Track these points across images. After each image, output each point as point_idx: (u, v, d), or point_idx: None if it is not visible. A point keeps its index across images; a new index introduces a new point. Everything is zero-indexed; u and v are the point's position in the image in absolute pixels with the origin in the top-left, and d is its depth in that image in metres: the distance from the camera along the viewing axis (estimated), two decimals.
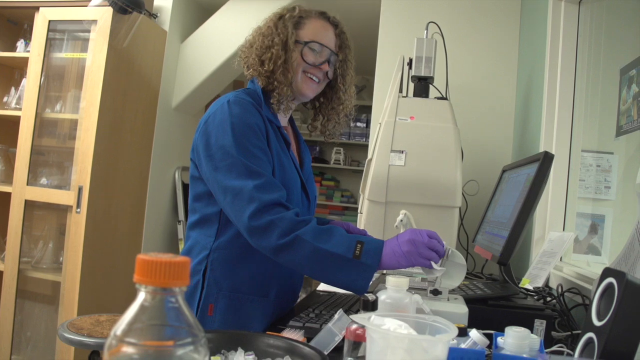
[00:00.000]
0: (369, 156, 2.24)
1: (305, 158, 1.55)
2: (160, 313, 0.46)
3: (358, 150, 5.26)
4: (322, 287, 1.68)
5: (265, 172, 1.23)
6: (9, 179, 2.98)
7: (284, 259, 1.18)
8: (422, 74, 2.16)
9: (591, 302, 0.85)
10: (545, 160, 1.17)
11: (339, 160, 5.15)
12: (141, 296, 0.47)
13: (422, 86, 2.19)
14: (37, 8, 2.90)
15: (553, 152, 1.95)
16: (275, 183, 1.24)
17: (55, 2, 2.89)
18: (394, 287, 0.90)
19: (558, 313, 1.22)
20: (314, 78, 1.40)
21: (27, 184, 2.82)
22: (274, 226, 1.17)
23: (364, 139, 5.14)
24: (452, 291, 1.11)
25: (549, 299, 1.40)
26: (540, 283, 1.62)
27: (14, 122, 2.92)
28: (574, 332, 1.11)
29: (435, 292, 1.05)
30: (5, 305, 2.83)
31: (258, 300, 1.31)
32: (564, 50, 2.03)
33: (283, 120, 1.46)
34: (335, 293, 1.54)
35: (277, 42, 1.36)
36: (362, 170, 4.98)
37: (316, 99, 1.53)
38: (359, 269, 1.13)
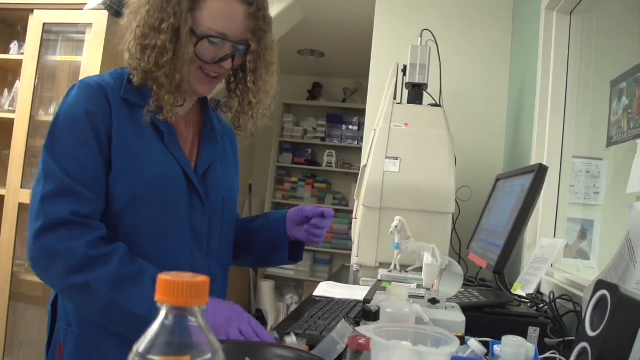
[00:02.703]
0: (364, 162, 2.27)
1: (208, 151, 1.19)
2: (181, 331, 0.48)
3: (350, 153, 5.29)
4: (319, 292, 1.70)
5: (66, 175, 0.97)
6: (2, 182, 2.97)
7: (74, 303, 0.99)
8: (417, 80, 2.19)
9: (582, 310, 0.88)
10: (540, 172, 1.20)
11: (331, 163, 5.18)
12: (162, 314, 0.49)
13: (416, 93, 2.22)
14: (32, 10, 2.89)
15: (545, 159, 2.01)
16: (74, 190, 0.96)
17: (50, 4, 2.89)
18: (394, 297, 0.92)
19: (550, 319, 1.25)
20: (212, 74, 1.12)
21: (21, 187, 2.81)
22: (59, 258, 0.93)
23: (356, 142, 5.17)
24: (448, 299, 1.14)
25: (541, 305, 1.44)
26: (532, 289, 1.66)
27: (7, 124, 2.92)
28: (566, 338, 1.14)
29: (434, 301, 1.07)
30: None
31: (115, 339, 1.01)
32: (556, 59, 2.07)
33: (182, 109, 1.18)
34: (332, 299, 1.56)
35: (165, 29, 1.02)
36: (354, 173, 5.03)
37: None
38: None
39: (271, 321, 4.68)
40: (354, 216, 2.30)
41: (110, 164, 1.03)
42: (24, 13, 2.94)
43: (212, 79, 1.13)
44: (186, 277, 0.48)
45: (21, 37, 3.06)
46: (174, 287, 0.47)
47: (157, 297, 0.48)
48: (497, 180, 1.79)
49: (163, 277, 0.47)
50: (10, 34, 3.17)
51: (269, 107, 1.24)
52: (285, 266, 5.05)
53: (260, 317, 4.72)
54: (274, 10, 3.13)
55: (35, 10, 2.89)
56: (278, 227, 1.28)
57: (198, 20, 1.05)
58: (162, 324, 0.48)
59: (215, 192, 1.17)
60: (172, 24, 1.02)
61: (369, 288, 1.73)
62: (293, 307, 4.83)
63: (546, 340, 1.17)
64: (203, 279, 0.48)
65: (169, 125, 1.11)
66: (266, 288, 4.83)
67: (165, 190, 1.08)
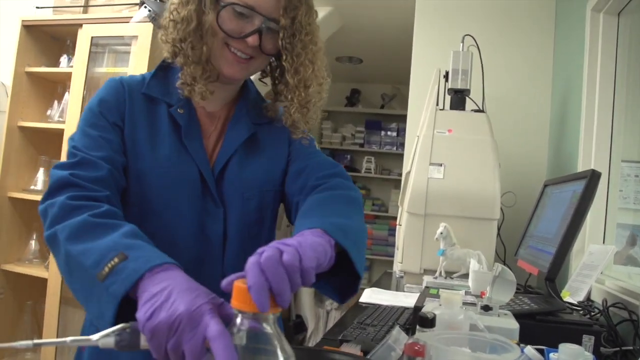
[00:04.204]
0: (407, 169, 2.27)
1: (229, 143, 1.07)
2: (255, 336, 0.50)
3: (389, 158, 5.28)
4: (364, 298, 1.71)
5: (87, 151, 0.94)
6: None
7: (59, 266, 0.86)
8: (459, 86, 2.18)
9: (639, 319, 0.87)
10: (593, 178, 1.18)
11: (370, 169, 5.18)
12: (238, 320, 0.51)
13: (458, 99, 2.21)
14: (81, 25, 3.00)
15: (592, 164, 1.97)
16: (82, 158, 0.93)
17: (98, 19, 2.99)
18: (448, 304, 0.92)
19: (605, 328, 1.23)
20: (239, 54, 1.01)
21: None
22: (46, 214, 0.86)
23: (395, 148, 5.16)
24: (501, 306, 1.13)
25: (593, 313, 1.41)
26: (581, 296, 1.63)
27: (58, 134, 3.02)
28: (622, 348, 1.12)
29: (486, 308, 1.07)
30: (49, 312, 2.91)
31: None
32: (603, 62, 2.03)
33: (212, 104, 1.09)
34: (379, 305, 1.57)
35: None
36: (393, 179, 5.02)
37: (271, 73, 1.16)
38: (99, 296, 0.71)
39: (311, 327, 4.69)
40: (397, 223, 2.30)
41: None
42: (73, 28, 3.04)
43: (240, 60, 1.02)
44: None
45: (70, 50, 3.17)
46: (247, 294, 0.49)
47: (233, 303, 0.50)
48: (545, 186, 1.77)
49: (239, 284, 0.49)
50: (60, 48, 3.28)
51: (320, 97, 1.13)
52: None
53: (300, 323, 4.74)
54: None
55: (84, 25, 2.99)
56: None
57: None
58: (238, 329, 0.50)
59: (232, 189, 1.05)
60: None
61: (414, 294, 1.73)
62: (333, 313, 4.84)
63: (602, 349, 1.15)
64: None
65: (191, 119, 1.04)
66: (306, 294, 4.85)
67: (174, 192, 1.00)
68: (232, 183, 1.05)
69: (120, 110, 1.01)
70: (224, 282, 0.63)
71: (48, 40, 3.26)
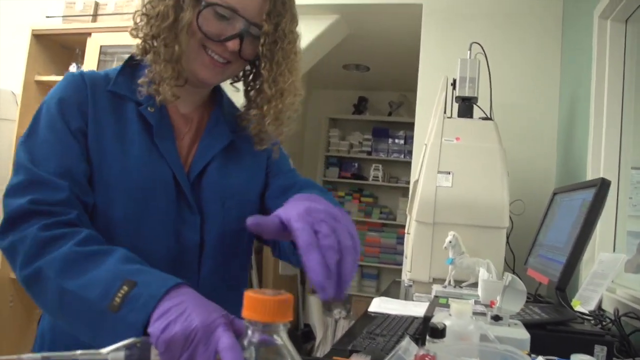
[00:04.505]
0: (415, 177, 2.26)
1: (206, 148, 1.01)
2: (266, 348, 0.50)
3: (396, 166, 5.27)
4: (373, 308, 1.70)
5: (33, 164, 0.85)
6: None
7: (36, 301, 0.81)
8: (467, 94, 2.18)
9: None
10: (602, 187, 1.18)
11: (378, 177, 5.17)
12: (249, 332, 0.50)
13: (466, 106, 2.21)
14: (90, 34, 3.03)
15: (602, 171, 1.96)
16: (39, 179, 0.84)
17: (106, 28, 3.02)
18: (457, 314, 0.92)
19: (617, 338, 1.22)
20: (216, 57, 0.95)
21: None
22: (16, 251, 0.79)
23: (402, 156, 5.15)
24: (511, 316, 1.12)
25: (605, 322, 1.40)
26: (592, 306, 1.61)
27: None
28: (636, 358, 1.11)
29: (496, 318, 1.06)
30: None
31: None
32: (611, 69, 2.02)
33: (184, 106, 1.03)
34: (388, 315, 1.56)
35: None
36: (401, 187, 5.01)
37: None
38: (115, 327, 0.68)
39: (319, 336, 4.68)
40: (406, 231, 2.30)
41: (88, 160, 0.91)
42: (82, 37, 3.08)
43: (217, 65, 0.96)
44: (271, 294, 0.50)
45: (79, 59, 3.20)
46: (260, 304, 0.49)
47: (244, 313, 0.49)
48: (554, 194, 1.76)
49: (250, 294, 0.49)
50: (69, 56, 3.32)
51: (295, 109, 1.06)
52: None
53: (309, 332, 4.73)
54: (319, 27, 3.17)
55: (93, 34, 3.02)
56: None
57: None
58: (249, 340, 0.50)
59: (211, 197, 0.99)
60: None
61: (423, 304, 1.72)
62: (341, 322, 4.83)
63: None
64: (286, 296, 0.50)
65: (163, 118, 0.97)
66: (314, 303, 4.84)
67: (146, 196, 0.92)
68: (211, 190, 0.99)
69: (82, 109, 0.92)
70: (250, 219, 0.71)
71: (57, 49, 3.29)
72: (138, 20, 0.96)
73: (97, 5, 3.17)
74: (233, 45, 0.93)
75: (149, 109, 0.95)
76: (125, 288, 0.69)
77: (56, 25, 3.19)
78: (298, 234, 0.69)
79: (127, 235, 0.90)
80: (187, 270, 0.94)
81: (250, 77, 1.09)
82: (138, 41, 0.96)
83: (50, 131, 0.89)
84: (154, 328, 0.63)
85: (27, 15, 3.52)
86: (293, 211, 0.73)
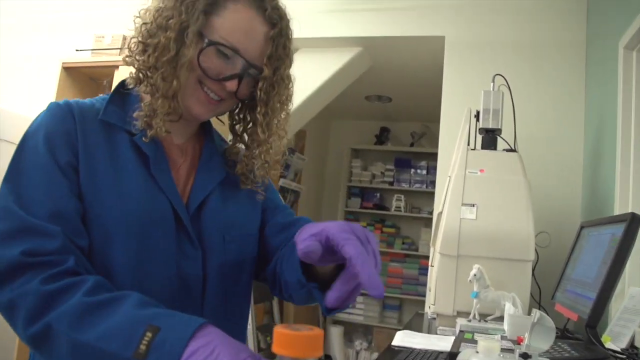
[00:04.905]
0: (439, 209, 2.25)
1: (205, 181, 0.99)
2: None
3: (419, 197, 5.25)
4: (397, 342, 1.67)
5: (22, 208, 0.79)
6: None
7: (45, 357, 0.78)
8: (490, 126, 2.18)
9: None
10: (634, 222, 1.16)
11: (400, 207, 5.15)
12: None
13: (490, 138, 2.20)
14: (117, 66, 3.11)
15: (630, 205, 1.93)
16: (30, 226, 0.78)
17: None
18: (485, 351, 0.90)
19: None
20: (211, 95, 0.94)
21: None
22: (16, 308, 0.74)
23: (425, 186, 5.13)
24: (540, 354, 1.10)
25: None
26: (624, 343, 1.57)
27: None
28: None
29: (525, 356, 1.04)
30: None
31: None
32: (638, 100, 2.01)
33: (177, 137, 1.01)
34: (412, 349, 1.54)
35: (172, 26, 0.89)
36: (423, 217, 4.97)
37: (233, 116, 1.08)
38: None
39: None
40: (430, 264, 2.27)
41: (80, 196, 0.85)
42: (110, 69, 3.16)
43: (211, 102, 0.95)
44: (301, 329, 0.50)
45: (107, 90, 3.23)
46: (291, 340, 0.49)
47: (274, 348, 0.50)
48: (582, 227, 1.73)
49: (280, 330, 0.49)
50: (97, 88, 3.40)
51: (283, 153, 1.07)
52: (353, 311, 5.00)
53: None
54: (343, 59, 3.21)
55: (120, 67, 3.09)
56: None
57: (212, 25, 0.91)
58: None
59: (212, 230, 0.96)
60: (181, 21, 0.89)
61: (447, 337, 1.69)
62: (362, 353, 4.76)
63: None
64: (317, 332, 0.50)
65: (158, 149, 0.94)
66: (335, 334, 4.79)
67: (145, 230, 0.88)
68: (212, 223, 0.97)
69: (71, 141, 0.87)
70: (299, 251, 0.73)
71: (86, 81, 3.38)
72: (133, 47, 0.93)
73: (125, 38, 3.26)
74: (231, 85, 0.93)
75: (143, 139, 0.91)
76: (149, 334, 0.67)
77: (85, 58, 3.28)
78: (350, 242, 0.69)
79: (127, 273, 0.86)
80: (190, 306, 0.92)
81: (237, 111, 1.08)
82: (132, 69, 0.94)
83: (37, 169, 0.83)
84: None
85: (58, 49, 3.64)
86: (333, 229, 0.72)
